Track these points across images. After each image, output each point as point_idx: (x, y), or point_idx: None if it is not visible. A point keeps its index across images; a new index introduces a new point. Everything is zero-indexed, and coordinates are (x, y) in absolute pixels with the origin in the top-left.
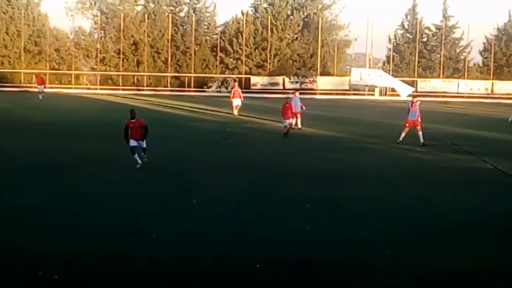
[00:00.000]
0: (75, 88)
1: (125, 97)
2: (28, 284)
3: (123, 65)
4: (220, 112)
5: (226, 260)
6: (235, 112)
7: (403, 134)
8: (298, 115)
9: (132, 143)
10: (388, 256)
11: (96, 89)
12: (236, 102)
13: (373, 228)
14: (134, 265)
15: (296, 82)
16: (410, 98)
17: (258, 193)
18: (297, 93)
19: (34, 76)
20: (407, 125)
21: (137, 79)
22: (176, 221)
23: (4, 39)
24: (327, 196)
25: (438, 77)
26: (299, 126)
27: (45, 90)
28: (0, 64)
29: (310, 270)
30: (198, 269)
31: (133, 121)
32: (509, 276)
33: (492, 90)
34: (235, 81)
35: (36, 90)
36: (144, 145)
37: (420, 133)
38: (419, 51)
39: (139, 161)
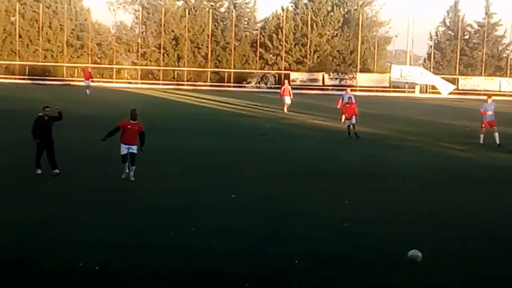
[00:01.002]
0: (116, 82)
1: (165, 92)
2: (69, 274)
3: (163, 60)
4: (259, 108)
5: (262, 255)
6: (285, 109)
7: (481, 136)
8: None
9: (123, 150)
10: (426, 255)
11: (136, 83)
12: (287, 100)
13: (410, 227)
14: (171, 258)
15: (336, 79)
16: (450, 96)
17: (295, 188)
18: (348, 90)
19: (80, 70)
20: (483, 126)
21: (177, 74)
22: (214, 216)
23: (47, 33)
24: (365, 193)
25: (480, 75)
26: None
27: (91, 84)
28: (43, 58)
29: (345, 267)
30: (234, 264)
31: (133, 123)
32: None
33: None
34: (285, 78)
35: (83, 84)
36: (135, 151)
37: (496, 134)
38: (460, 48)
39: (127, 170)
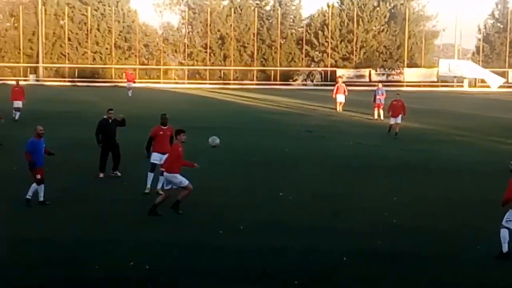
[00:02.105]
0: (164, 82)
1: (212, 91)
2: (121, 273)
3: (210, 59)
4: (306, 105)
5: (312, 252)
6: (339, 108)
7: None
8: (381, 107)
9: (155, 158)
10: (478, 250)
11: (184, 83)
12: (340, 98)
13: (461, 221)
14: (221, 256)
15: (383, 74)
16: (500, 89)
17: (344, 185)
18: (380, 85)
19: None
20: None
21: (223, 73)
22: (263, 213)
23: (95, 36)
24: (414, 189)
25: None
26: (382, 117)
27: (133, 85)
28: (92, 60)
29: (397, 262)
30: (285, 261)
31: (165, 128)
32: None
33: None
34: (339, 77)
35: (125, 86)
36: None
37: None
38: (510, 41)
39: (149, 185)
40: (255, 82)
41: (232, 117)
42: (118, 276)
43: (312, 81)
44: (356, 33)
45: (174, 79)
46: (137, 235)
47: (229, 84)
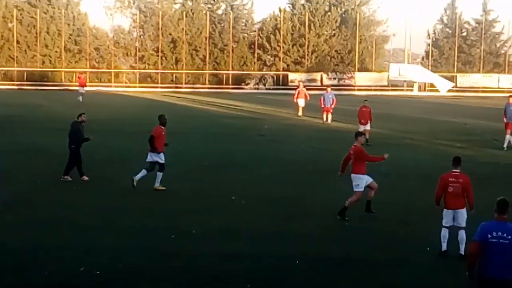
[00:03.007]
0: (115, 86)
1: (164, 95)
2: (71, 279)
3: (161, 63)
4: (258, 109)
5: (265, 257)
6: (299, 112)
7: (507, 137)
8: (330, 111)
9: (155, 157)
10: (428, 253)
11: (135, 87)
12: (301, 102)
13: (411, 225)
14: (174, 261)
15: (334, 78)
16: (449, 93)
17: (296, 189)
18: (329, 89)
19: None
20: (509, 127)
21: (175, 76)
22: (215, 218)
23: (45, 39)
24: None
25: (478, 72)
26: (329, 121)
27: (84, 89)
28: (41, 64)
29: (351, 267)
30: (238, 266)
31: (164, 128)
32: None
33: None
34: (300, 81)
35: (78, 90)
36: (163, 160)
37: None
38: (458, 45)
39: (138, 178)
40: (207, 86)
41: (184, 121)
42: (68, 282)
43: (264, 85)
44: (308, 37)
45: (125, 82)
46: (88, 240)
47: (181, 87)
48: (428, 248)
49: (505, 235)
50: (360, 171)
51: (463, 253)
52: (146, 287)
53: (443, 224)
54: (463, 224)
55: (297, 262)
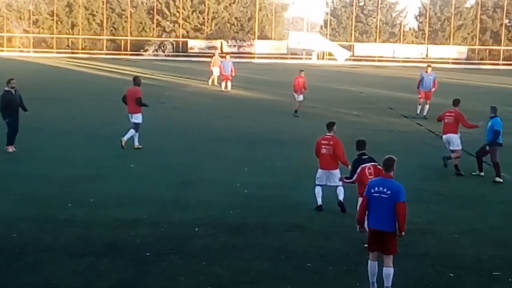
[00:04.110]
0: (7, 51)
1: (60, 60)
2: None
3: (57, 28)
4: (157, 76)
5: (163, 223)
6: (211, 81)
7: (420, 105)
8: (229, 79)
9: (133, 119)
10: (324, 219)
11: (29, 51)
12: (216, 71)
13: (308, 191)
14: (70, 229)
15: (234, 46)
16: (346, 62)
17: (195, 156)
18: (228, 57)
19: None
20: (420, 96)
21: (71, 42)
22: (113, 185)
23: None
24: (265, 160)
25: (375, 41)
26: (228, 88)
27: None
28: None
29: (247, 232)
30: (135, 233)
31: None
32: None
33: (427, 55)
34: (215, 49)
35: None
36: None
37: (427, 106)
38: (356, 15)
39: (126, 139)
40: (105, 52)
41: (81, 87)
42: None
43: (164, 51)
44: (208, 4)
45: (19, 47)
46: None
47: (77, 53)
48: (324, 214)
49: (385, 190)
50: None
51: (341, 200)
52: (42, 256)
53: (316, 182)
54: (339, 183)
55: (196, 229)
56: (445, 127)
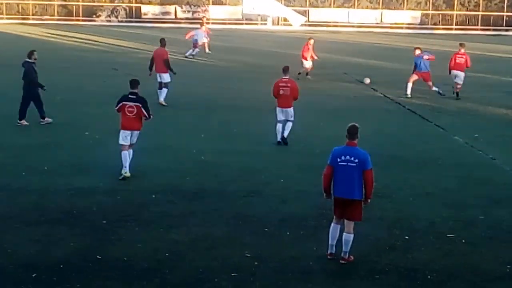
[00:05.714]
0: None
1: (10, 26)
2: None
3: None
4: (111, 42)
5: (120, 191)
6: (189, 52)
7: (409, 85)
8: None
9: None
10: (281, 184)
11: None
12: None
13: (266, 156)
14: (24, 198)
15: (189, 12)
16: (302, 28)
17: (151, 124)
18: (203, 27)
19: None
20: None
21: (21, 7)
22: (68, 153)
23: None
24: (222, 127)
25: (330, 6)
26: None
27: None
28: None
29: (204, 198)
30: (91, 201)
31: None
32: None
33: (381, 20)
34: (204, 16)
35: None
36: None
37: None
38: None
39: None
40: (56, 17)
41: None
42: None
43: (117, 17)
44: None
45: None
46: None
47: (28, 19)
48: (282, 180)
49: (352, 158)
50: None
51: (286, 136)
52: None
53: (277, 119)
54: (291, 119)
55: (153, 196)
56: (455, 65)
